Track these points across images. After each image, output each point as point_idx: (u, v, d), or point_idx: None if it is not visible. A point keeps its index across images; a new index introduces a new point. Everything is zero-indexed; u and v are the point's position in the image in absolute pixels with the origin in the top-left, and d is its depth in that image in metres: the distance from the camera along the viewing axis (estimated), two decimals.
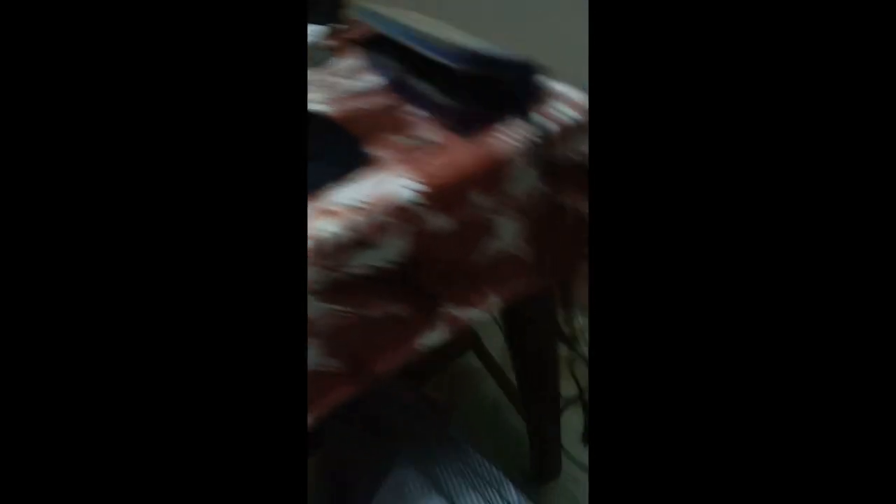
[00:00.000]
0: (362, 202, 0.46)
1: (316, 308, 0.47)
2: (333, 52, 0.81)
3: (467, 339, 1.06)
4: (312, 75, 0.75)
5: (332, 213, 0.46)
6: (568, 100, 0.54)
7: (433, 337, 0.56)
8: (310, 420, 0.51)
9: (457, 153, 0.49)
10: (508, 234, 0.56)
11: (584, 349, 1.16)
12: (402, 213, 0.47)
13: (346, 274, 0.47)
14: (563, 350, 1.10)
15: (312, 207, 0.46)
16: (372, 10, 0.66)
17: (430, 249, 0.50)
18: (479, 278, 0.57)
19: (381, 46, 0.72)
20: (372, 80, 0.70)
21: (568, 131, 0.53)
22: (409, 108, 0.59)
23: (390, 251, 0.48)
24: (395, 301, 0.52)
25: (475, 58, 0.47)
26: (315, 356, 0.50)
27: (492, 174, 0.51)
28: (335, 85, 0.71)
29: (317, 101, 0.68)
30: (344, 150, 0.51)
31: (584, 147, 0.54)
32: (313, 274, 0.45)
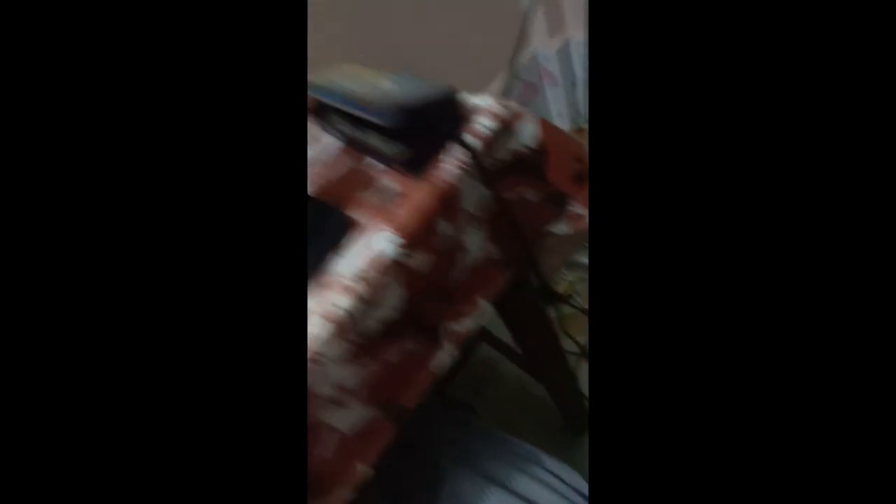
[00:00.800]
0: (361, 269, 0.51)
1: (346, 373, 0.51)
2: None
3: (476, 334, 1.12)
4: None
5: (341, 287, 0.50)
6: (484, 111, 0.60)
7: (444, 357, 0.62)
8: (363, 470, 0.56)
9: (416, 194, 0.55)
10: (475, 244, 0.63)
11: (580, 301, 1.27)
12: (392, 268, 0.52)
13: (363, 337, 0.51)
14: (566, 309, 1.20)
15: (322, 285, 0.51)
16: (315, 87, 0.69)
17: (420, 286, 0.56)
18: (465, 290, 0.63)
19: (328, 110, 0.74)
20: (329, 143, 0.73)
21: (492, 139, 0.59)
22: (368, 162, 0.63)
23: (392, 303, 0.53)
24: (405, 339, 0.57)
25: (402, 111, 0.52)
26: (357, 413, 0.55)
27: (448, 201, 0.56)
28: None
29: None
30: (331, 220, 0.55)
31: (507, 146, 0.61)
32: (339, 347, 0.49)
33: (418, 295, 0.56)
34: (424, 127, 0.55)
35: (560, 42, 1.47)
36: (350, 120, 0.65)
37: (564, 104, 1.61)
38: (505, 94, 1.48)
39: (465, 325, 0.63)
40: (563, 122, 1.64)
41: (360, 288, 0.50)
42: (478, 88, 1.43)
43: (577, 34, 1.46)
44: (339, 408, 0.52)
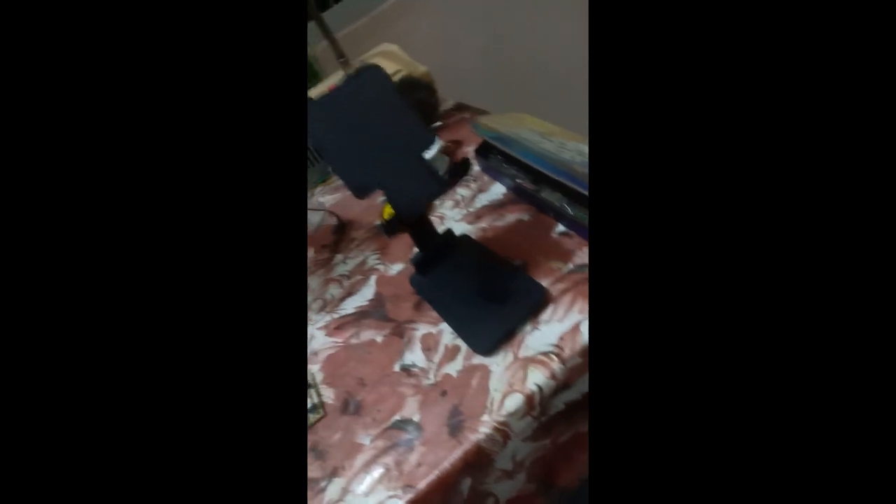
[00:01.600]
0: (555, 346, 0.50)
1: (523, 448, 0.51)
2: (449, 156, 0.86)
3: None
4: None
5: (536, 362, 0.50)
6: None
7: None
8: None
9: None
10: None
11: None
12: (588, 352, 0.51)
13: (548, 416, 0.51)
14: None
15: (518, 357, 0.51)
16: (496, 134, 0.70)
17: None
18: None
19: (491, 152, 0.76)
20: (497, 188, 0.74)
21: None
22: (560, 230, 0.63)
23: (581, 387, 0.52)
24: (580, 421, 0.56)
25: None
26: (517, 484, 0.54)
27: None
28: (465, 199, 0.76)
29: (455, 219, 0.73)
30: (525, 288, 0.56)
31: None
32: (525, 423, 0.49)
33: None
34: None
35: None
36: (516, 166, 0.65)
37: None
38: None
39: None
40: None
41: (558, 368, 0.49)
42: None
43: None
44: (507, 479, 0.52)
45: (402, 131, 0.52)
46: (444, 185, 0.55)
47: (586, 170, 0.56)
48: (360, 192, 0.53)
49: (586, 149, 0.64)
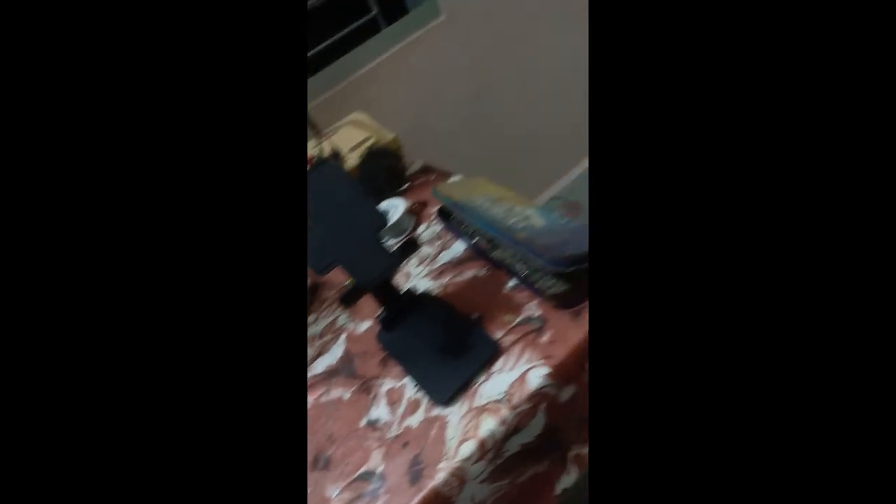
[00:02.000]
0: (505, 394, 0.55)
1: (481, 490, 0.55)
2: (416, 217, 0.92)
3: None
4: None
5: (488, 410, 0.54)
6: None
7: (568, 480, 0.63)
8: None
9: (569, 331, 0.58)
10: None
11: None
12: (538, 398, 0.55)
13: (503, 459, 0.55)
14: None
15: (472, 406, 0.55)
16: (452, 201, 0.77)
17: (563, 415, 0.59)
18: None
19: (452, 213, 0.82)
20: (457, 246, 0.80)
21: None
22: (506, 282, 0.68)
23: (534, 429, 0.56)
24: (537, 462, 0.60)
25: (569, 260, 0.57)
26: None
27: None
28: (429, 256, 0.82)
29: (420, 276, 0.79)
30: (481, 341, 0.61)
31: None
32: (479, 467, 0.53)
33: (557, 423, 0.59)
34: (583, 271, 0.59)
35: None
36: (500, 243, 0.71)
37: None
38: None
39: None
40: None
41: (507, 414, 0.54)
42: (566, 168, 1.53)
43: None
44: None
45: (358, 215, 0.59)
46: (397, 260, 0.61)
47: (525, 234, 0.62)
48: (321, 271, 0.59)
49: (532, 212, 0.71)
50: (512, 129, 1.52)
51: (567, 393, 0.58)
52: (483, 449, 0.53)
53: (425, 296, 0.73)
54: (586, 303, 0.60)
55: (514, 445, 0.56)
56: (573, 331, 0.58)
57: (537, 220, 0.68)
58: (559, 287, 0.62)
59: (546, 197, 1.65)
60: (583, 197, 1.62)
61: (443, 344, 0.63)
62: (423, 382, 0.61)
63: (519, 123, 1.53)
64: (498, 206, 0.73)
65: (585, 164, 1.67)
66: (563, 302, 0.61)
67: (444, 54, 1.34)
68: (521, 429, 0.55)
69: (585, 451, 0.64)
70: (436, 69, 1.35)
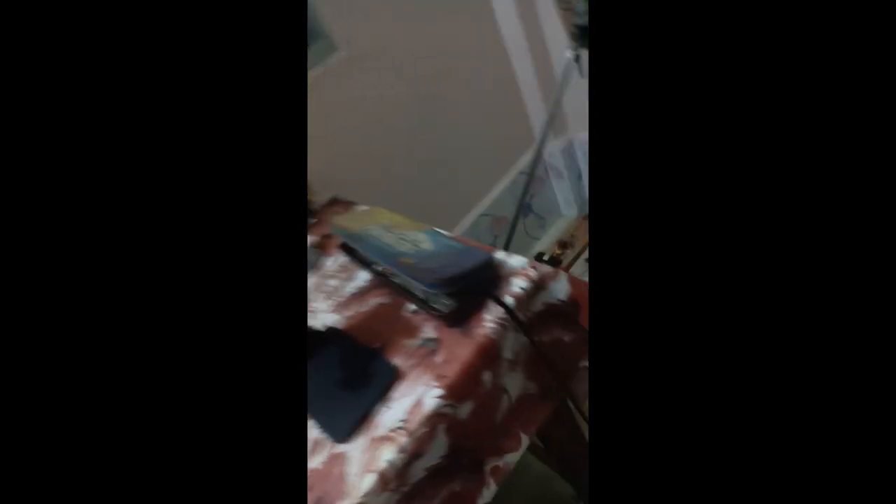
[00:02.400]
0: (403, 421, 0.56)
1: None
2: (321, 251, 0.93)
3: None
4: (312, 279, 0.86)
5: (386, 439, 0.55)
6: (520, 273, 0.65)
7: (489, 493, 0.64)
8: None
9: (461, 350, 0.60)
10: (515, 385, 0.66)
11: None
12: (435, 419, 0.56)
13: (409, 486, 0.56)
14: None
15: (370, 438, 0.56)
16: (347, 233, 0.78)
17: (465, 432, 0.60)
18: (508, 428, 0.66)
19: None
20: (361, 276, 0.81)
21: (525, 297, 0.64)
22: (409, 308, 0.69)
23: (437, 451, 0.57)
24: (452, 481, 0.61)
25: (447, 282, 0.59)
26: None
27: (489, 354, 0.61)
28: (335, 289, 0.82)
29: (325, 311, 0.79)
30: (381, 370, 0.61)
31: (541, 301, 0.66)
32: (384, 499, 0.54)
33: (462, 440, 0.60)
34: (467, 290, 0.61)
35: (564, 142, 1.73)
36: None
37: (571, 194, 1.84)
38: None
39: (508, 459, 0.66)
40: (570, 210, 1.91)
41: (405, 440, 0.55)
42: (488, 186, 1.62)
43: (581, 135, 1.70)
44: None
45: None
46: None
47: (412, 260, 0.64)
48: None
49: (423, 236, 0.72)
50: (432, 152, 1.54)
51: (465, 409, 0.59)
52: (384, 480, 0.53)
53: (330, 331, 0.73)
54: (477, 318, 0.62)
55: (418, 470, 0.56)
56: (463, 347, 0.60)
57: (427, 245, 0.70)
58: (451, 306, 0.63)
59: (475, 214, 1.68)
60: (508, 211, 1.68)
61: (343, 379, 0.64)
62: (321, 422, 0.61)
63: (439, 146, 1.56)
64: (390, 233, 0.74)
65: (509, 178, 1.71)
66: (453, 320, 0.63)
67: (353, 84, 1.35)
68: (423, 453, 0.56)
69: (503, 463, 0.65)
70: (348, 101, 1.35)
